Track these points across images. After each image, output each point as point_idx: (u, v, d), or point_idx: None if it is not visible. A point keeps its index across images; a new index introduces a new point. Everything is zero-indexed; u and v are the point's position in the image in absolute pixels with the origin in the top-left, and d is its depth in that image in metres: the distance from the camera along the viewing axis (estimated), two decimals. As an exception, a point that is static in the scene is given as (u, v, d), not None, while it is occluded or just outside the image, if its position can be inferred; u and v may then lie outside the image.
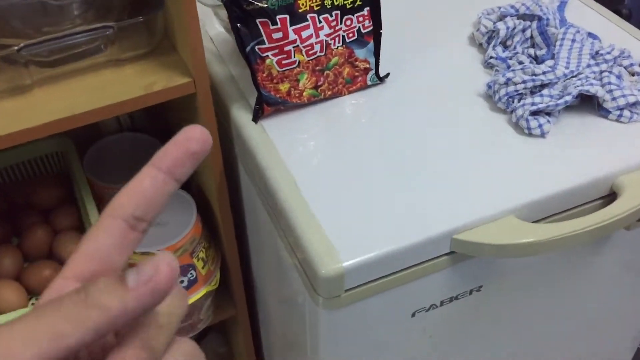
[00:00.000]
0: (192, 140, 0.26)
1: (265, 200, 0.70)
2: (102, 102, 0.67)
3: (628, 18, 1.44)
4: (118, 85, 0.69)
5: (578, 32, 0.76)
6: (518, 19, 0.80)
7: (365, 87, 0.76)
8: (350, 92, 0.75)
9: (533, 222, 0.64)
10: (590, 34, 0.79)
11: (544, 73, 0.72)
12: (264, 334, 1.04)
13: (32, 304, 0.85)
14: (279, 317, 0.88)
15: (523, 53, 0.77)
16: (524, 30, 0.78)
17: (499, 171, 0.66)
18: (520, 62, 0.75)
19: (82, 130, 0.95)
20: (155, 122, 1.00)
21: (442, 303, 0.68)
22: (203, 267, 0.85)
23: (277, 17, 0.67)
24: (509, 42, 0.79)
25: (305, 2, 0.68)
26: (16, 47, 0.64)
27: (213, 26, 0.83)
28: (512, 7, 0.81)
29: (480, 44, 0.81)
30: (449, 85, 0.76)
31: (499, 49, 0.78)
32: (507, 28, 0.78)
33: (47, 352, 0.22)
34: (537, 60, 0.76)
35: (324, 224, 0.60)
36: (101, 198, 0.90)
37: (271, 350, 1.03)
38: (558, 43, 0.75)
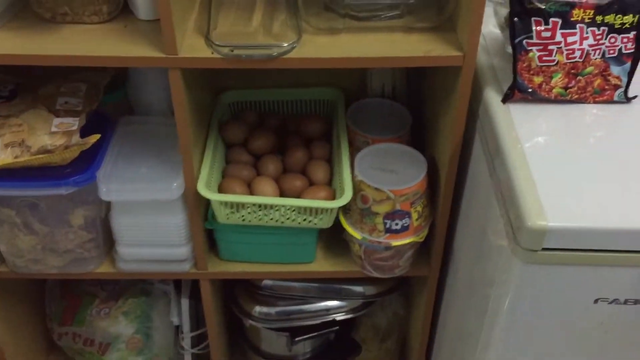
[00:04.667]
0: None
1: (492, 165, 0.82)
2: (388, 53, 0.84)
3: None
4: (404, 45, 0.86)
5: None
6: None
7: (610, 101, 0.84)
8: (595, 102, 0.84)
9: None
10: None
11: None
12: (445, 301, 1.15)
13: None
14: (468, 277, 0.99)
15: None
16: None
17: None
18: None
19: (353, 88, 1.17)
20: (412, 96, 1.17)
21: (626, 301, 0.74)
22: (417, 219, 0.99)
23: (551, 19, 0.79)
24: None
25: (580, 13, 0.79)
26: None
27: (486, 26, 0.97)
28: None
29: None
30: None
31: None
32: None
33: None
34: None
35: (540, 191, 0.71)
36: (352, 141, 1.09)
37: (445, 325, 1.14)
38: None
